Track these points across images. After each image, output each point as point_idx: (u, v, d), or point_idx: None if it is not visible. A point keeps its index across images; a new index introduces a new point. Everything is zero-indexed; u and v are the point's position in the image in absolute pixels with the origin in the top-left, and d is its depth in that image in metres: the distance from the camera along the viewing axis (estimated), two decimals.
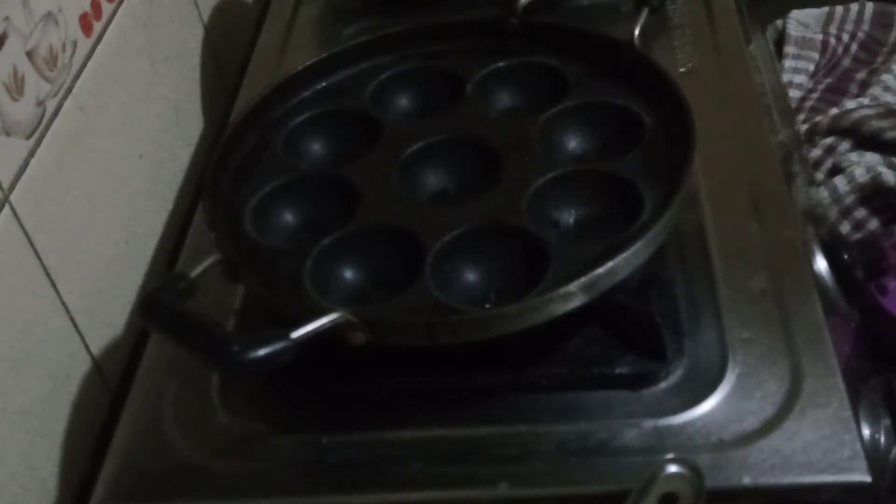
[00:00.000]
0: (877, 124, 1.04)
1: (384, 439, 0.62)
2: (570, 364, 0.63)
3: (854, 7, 1.21)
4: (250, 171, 0.73)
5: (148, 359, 0.70)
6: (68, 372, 0.69)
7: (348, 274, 0.65)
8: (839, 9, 1.21)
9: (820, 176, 1.03)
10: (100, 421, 0.72)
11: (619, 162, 0.68)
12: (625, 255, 0.58)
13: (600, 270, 0.57)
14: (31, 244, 0.65)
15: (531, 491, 0.59)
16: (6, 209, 0.63)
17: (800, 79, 1.15)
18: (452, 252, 0.63)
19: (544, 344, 0.63)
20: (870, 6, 1.20)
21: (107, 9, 0.78)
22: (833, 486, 0.57)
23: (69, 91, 0.71)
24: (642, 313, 0.63)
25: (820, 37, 1.18)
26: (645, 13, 0.77)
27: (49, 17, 0.69)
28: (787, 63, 1.16)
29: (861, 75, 1.15)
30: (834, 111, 1.08)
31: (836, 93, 1.14)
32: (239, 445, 0.63)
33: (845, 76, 1.16)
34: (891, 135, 1.02)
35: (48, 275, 0.67)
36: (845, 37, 1.19)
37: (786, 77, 1.14)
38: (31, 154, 0.66)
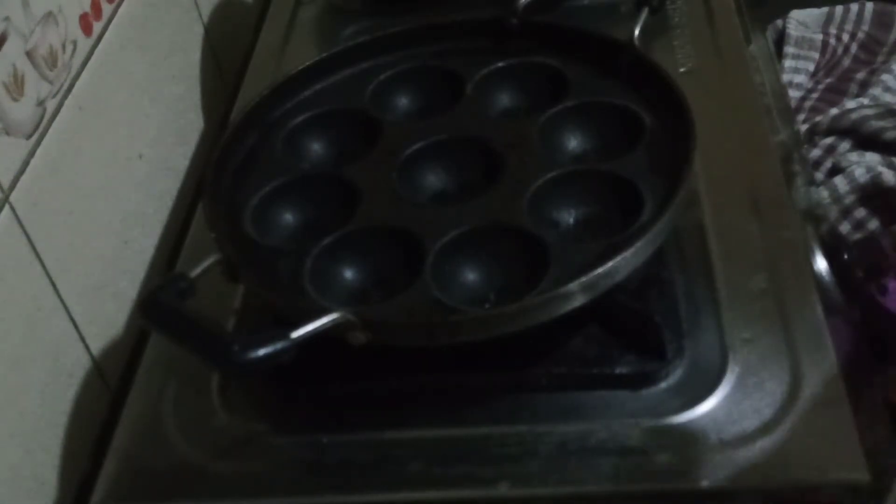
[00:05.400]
0: (877, 124, 1.04)
1: (384, 439, 0.62)
2: (570, 364, 0.63)
3: (854, 7, 1.21)
4: (250, 170, 0.73)
5: (148, 359, 0.70)
6: (68, 372, 0.69)
7: (348, 274, 0.65)
8: (839, 9, 1.21)
9: (820, 176, 1.03)
10: (100, 421, 0.71)
11: (619, 162, 0.68)
12: (625, 255, 0.58)
13: (600, 270, 0.57)
14: (31, 244, 0.65)
15: (531, 491, 0.59)
16: (6, 209, 0.63)
17: (800, 79, 1.15)
18: (452, 252, 0.63)
19: (544, 344, 0.63)
20: (870, 6, 1.20)
21: (107, 9, 0.78)
22: (833, 486, 0.57)
23: (69, 91, 0.71)
24: (642, 313, 0.63)
25: (820, 37, 1.18)
26: (645, 13, 0.78)
27: (49, 17, 0.69)
28: (787, 63, 1.15)
29: (861, 75, 1.15)
30: (834, 111, 1.08)
31: (836, 93, 1.14)
32: (239, 445, 0.63)
33: (845, 76, 1.16)
34: (891, 135, 1.02)
35: (48, 275, 0.67)
36: (845, 37, 1.19)
37: (786, 77, 1.14)
38: (31, 154, 0.66)
